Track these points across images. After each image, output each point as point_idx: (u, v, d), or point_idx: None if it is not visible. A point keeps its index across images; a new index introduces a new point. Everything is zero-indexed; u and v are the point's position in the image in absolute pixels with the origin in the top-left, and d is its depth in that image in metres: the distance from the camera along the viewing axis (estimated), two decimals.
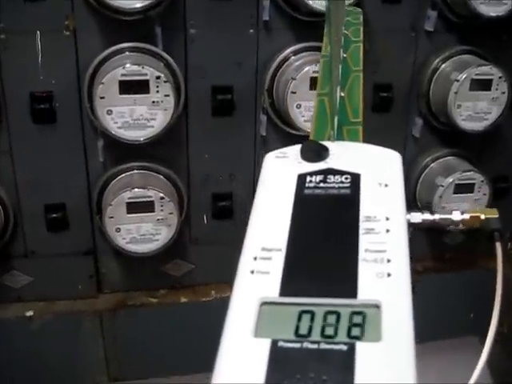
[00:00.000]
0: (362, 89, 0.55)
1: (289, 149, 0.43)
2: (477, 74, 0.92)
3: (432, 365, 1.25)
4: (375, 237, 0.34)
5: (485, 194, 1.01)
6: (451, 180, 0.98)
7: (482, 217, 0.46)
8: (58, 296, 0.97)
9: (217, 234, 0.99)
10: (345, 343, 0.28)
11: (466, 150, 1.05)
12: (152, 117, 0.83)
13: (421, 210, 1.03)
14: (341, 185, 0.39)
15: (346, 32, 0.67)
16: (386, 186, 0.39)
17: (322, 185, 0.39)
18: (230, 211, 0.97)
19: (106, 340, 0.99)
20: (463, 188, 0.99)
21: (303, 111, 0.87)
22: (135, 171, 0.91)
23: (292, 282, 0.32)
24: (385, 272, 0.32)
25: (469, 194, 1.00)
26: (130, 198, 0.87)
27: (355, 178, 0.39)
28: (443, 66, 0.96)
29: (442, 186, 0.98)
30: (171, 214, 0.88)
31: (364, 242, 0.34)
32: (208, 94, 0.90)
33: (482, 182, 1.00)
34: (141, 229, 0.88)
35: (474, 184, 1.00)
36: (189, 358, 1.03)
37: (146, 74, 0.81)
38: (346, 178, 0.39)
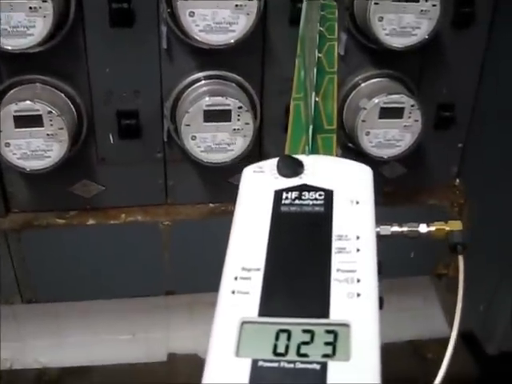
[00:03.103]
0: (336, 93, 0.55)
1: (266, 163, 0.47)
2: None
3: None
4: (346, 256, 0.37)
5: (416, 121, 0.95)
6: (375, 102, 0.92)
7: (447, 228, 0.48)
8: None
9: (125, 154, 0.97)
10: (318, 362, 0.31)
11: (404, 72, 0.98)
12: (31, 24, 0.80)
13: (349, 138, 0.97)
14: (315, 202, 0.42)
15: (321, 29, 0.65)
16: (358, 203, 0.42)
17: (297, 202, 0.42)
18: (136, 130, 0.94)
19: (14, 261, 0.99)
20: (390, 112, 0.94)
21: (197, 20, 0.83)
22: (31, 84, 0.89)
23: (270, 302, 0.35)
24: (355, 292, 0.35)
25: (397, 120, 0.95)
26: (16, 112, 0.85)
27: (328, 195, 0.42)
28: None
29: (365, 109, 0.93)
30: (61, 129, 0.86)
31: (336, 261, 0.37)
32: (104, 2, 0.86)
33: (413, 106, 0.94)
34: (31, 144, 0.87)
35: (402, 108, 0.94)
36: (99, 282, 1.04)
37: None
38: (320, 195, 0.42)
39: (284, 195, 0.43)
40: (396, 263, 1.17)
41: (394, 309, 1.26)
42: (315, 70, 0.57)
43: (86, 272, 1.02)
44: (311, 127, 0.50)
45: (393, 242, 1.18)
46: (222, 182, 1.01)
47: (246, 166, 1.05)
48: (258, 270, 0.37)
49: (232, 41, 0.84)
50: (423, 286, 1.23)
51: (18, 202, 0.99)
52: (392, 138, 0.95)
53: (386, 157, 0.96)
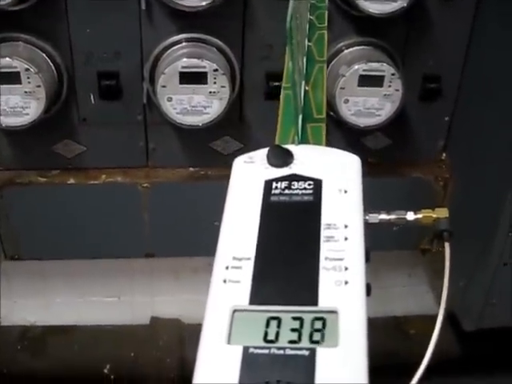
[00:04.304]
0: (325, 82, 0.56)
1: (256, 153, 0.47)
2: None
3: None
4: (334, 245, 0.38)
5: (397, 90, 0.95)
6: (354, 69, 0.92)
7: (434, 216, 0.48)
8: None
9: (105, 115, 0.99)
10: (307, 349, 0.32)
11: (389, 42, 0.98)
12: None
13: (329, 106, 0.97)
14: (304, 191, 0.43)
15: (311, 17, 0.65)
16: (346, 192, 0.43)
17: (286, 191, 0.43)
18: (117, 91, 0.96)
19: None
20: (370, 80, 0.94)
21: None
22: (13, 42, 0.91)
23: (260, 291, 0.36)
24: (342, 280, 0.36)
25: (377, 88, 0.94)
26: None
27: (317, 185, 0.43)
28: None
29: (344, 76, 0.92)
30: (38, 87, 0.88)
31: (324, 249, 0.38)
32: None
33: (393, 75, 0.93)
34: (9, 101, 0.89)
35: (383, 77, 0.93)
36: (80, 241, 1.06)
37: None
38: (309, 185, 0.43)
39: (274, 185, 0.44)
40: (378, 237, 1.18)
41: (378, 283, 1.26)
42: (305, 59, 0.57)
43: (66, 230, 1.05)
44: (301, 117, 0.51)
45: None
46: (202, 147, 1.03)
47: (226, 131, 1.06)
48: (249, 259, 0.38)
49: (204, 3, 0.84)
50: (408, 261, 1.23)
51: (1, 160, 1.01)
52: (372, 106, 0.95)
53: (362, 125, 0.96)
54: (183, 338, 1.15)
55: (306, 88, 0.55)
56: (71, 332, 1.19)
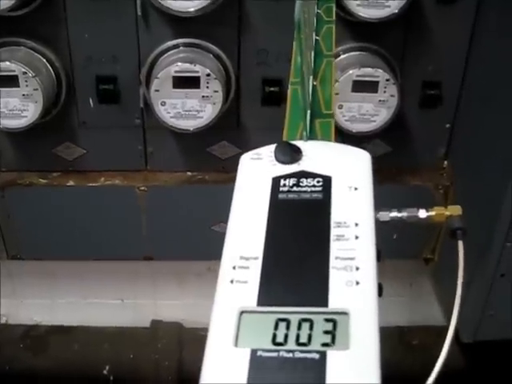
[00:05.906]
0: (333, 77, 0.56)
1: (263, 149, 0.46)
2: None
3: None
4: (345, 243, 0.38)
5: (392, 96, 0.95)
6: (348, 74, 0.93)
7: (447, 213, 0.48)
8: None
9: (104, 118, 1.01)
10: (317, 351, 0.32)
11: (387, 47, 0.98)
12: None
13: None
14: (313, 188, 0.42)
15: (318, 11, 0.65)
16: (356, 189, 0.43)
17: (295, 189, 0.42)
18: (115, 95, 0.98)
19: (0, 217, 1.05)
20: (364, 86, 0.94)
21: None
22: (14, 47, 0.94)
23: (269, 292, 0.35)
24: (353, 280, 0.35)
25: (372, 94, 0.95)
26: None
27: (327, 182, 0.43)
28: None
29: (337, 81, 0.93)
30: (36, 90, 0.91)
31: (334, 248, 0.37)
32: None
33: (388, 81, 0.93)
34: (8, 104, 0.92)
35: (377, 82, 0.94)
36: (80, 242, 1.08)
37: None
38: (318, 182, 0.43)
39: (282, 182, 0.43)
40: (379, 245, 1.17)
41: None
42: (312, 53, 0.57)
43: (65, 231, 1.08)
44: (309, 112, 0.51)
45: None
46: (200, 152, 1.04)
47: (223, 136, 1.07)
48: (257, 258, 0.37)
49: (192, 9, 0.86)
50: (411, 270, 1.22)
51: (4, 161, 1.05)
52: (367, 112, 0.95)
53: (355, 131, 0.96)
54: (182, 342, 1.16)
55: (314, 83, 0.54)
56: (72, 332, 1.22)
